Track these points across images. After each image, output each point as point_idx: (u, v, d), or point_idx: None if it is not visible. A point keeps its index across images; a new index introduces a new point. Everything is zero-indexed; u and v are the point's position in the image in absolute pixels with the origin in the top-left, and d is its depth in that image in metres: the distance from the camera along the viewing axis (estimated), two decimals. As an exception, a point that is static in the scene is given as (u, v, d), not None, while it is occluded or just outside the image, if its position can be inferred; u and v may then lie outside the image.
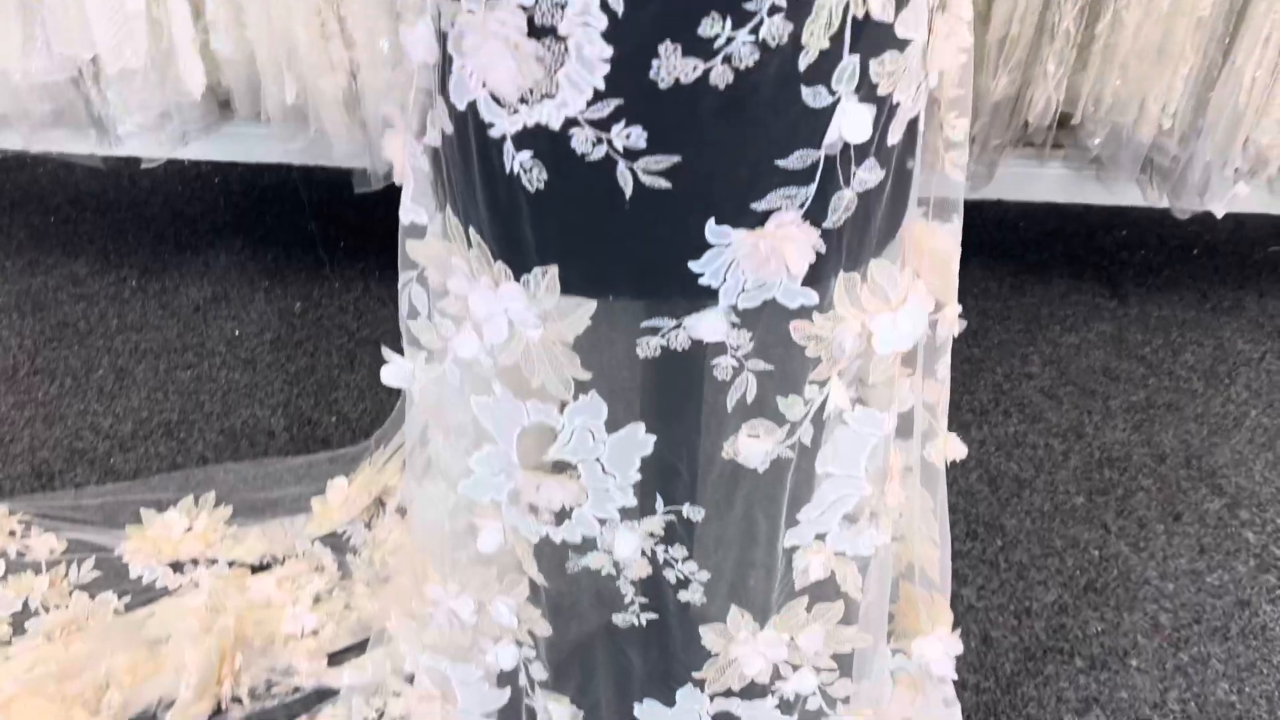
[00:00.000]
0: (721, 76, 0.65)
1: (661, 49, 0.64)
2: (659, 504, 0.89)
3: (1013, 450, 1.71)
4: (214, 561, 1.51)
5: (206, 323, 1.93)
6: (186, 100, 1.76)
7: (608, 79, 0.66)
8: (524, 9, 0.65)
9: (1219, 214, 1.82)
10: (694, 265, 0.73)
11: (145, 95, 1.77)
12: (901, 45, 0.69)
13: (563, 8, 0.64)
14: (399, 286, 0.93)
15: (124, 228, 2.14)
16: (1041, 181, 1.95)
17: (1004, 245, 2.13)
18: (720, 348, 0.78)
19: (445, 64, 0.73)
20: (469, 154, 0.74)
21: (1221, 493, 1.64)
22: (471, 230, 0.78)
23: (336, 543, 1.54)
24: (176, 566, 1.51)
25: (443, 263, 0.84)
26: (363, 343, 1.90)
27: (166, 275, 2.03)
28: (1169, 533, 1.58)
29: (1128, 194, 1.87)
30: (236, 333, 1.91)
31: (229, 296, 1.99)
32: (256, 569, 1.51)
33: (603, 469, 0.86)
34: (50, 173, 2.25)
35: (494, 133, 0.70)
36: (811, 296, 0.76)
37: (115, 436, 1.72)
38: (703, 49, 0.64)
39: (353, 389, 1.81)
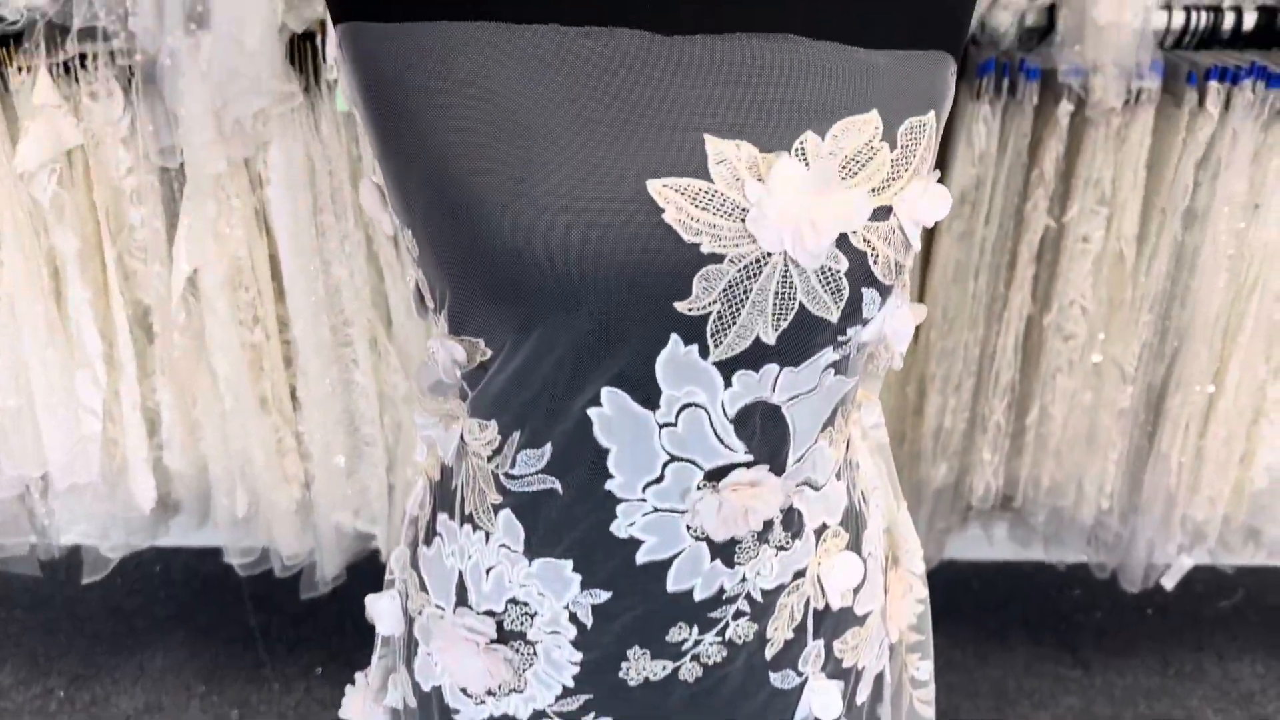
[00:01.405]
0: (690, 672, 0.65)
1: (630, 653, 0.64)
2: None
3: None
4: None
5: (137, 737, 1.82)
6: (135, 514, 1.74)
7: (576, 678, 0.65)
8: (493, 615, 0.65)
9: (1169, 586, 1.85)
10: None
11: (93, 507, 1.76)
12: (862, 620, 0.70)
13: (532, 617, 0.64)
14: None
15: (56, 626, 2.06)
16: (991, 543, 1.98)
17: (961, 610, 2.12)
18: None
19: (411, 642, 0.73)
20: None
21: None
22: None
23: None
24: None
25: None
26: (305, 755, 1.79)
27: (98, 682, 1.93)
28: None
29: (1076, 550, 1.91)
30: (169, 748, 1.80)
31: (162, 705, 1.88)
32: None
33: None
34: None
35: (459, 719, 0.69)
36: None
37: None
38: (671, 651, 0.64)
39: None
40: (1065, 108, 1.55)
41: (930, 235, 1.68)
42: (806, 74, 0.55)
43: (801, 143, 0.54)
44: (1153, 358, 1.71)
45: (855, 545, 0.70)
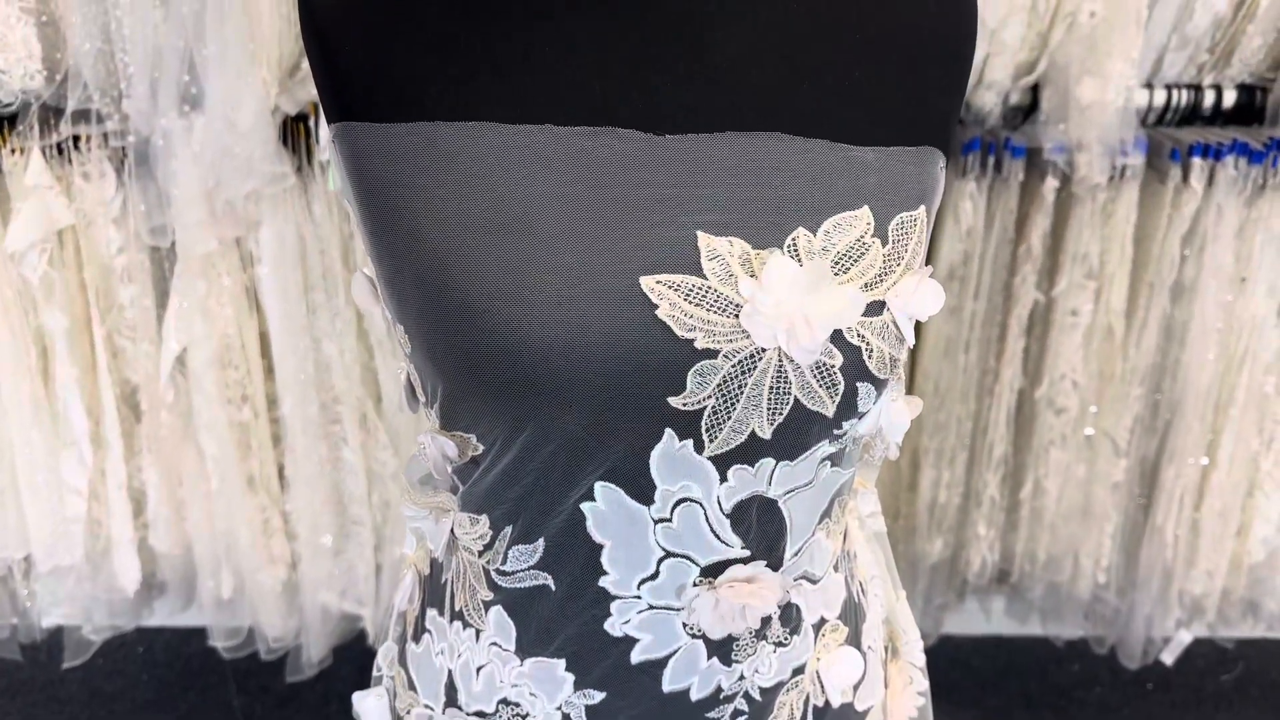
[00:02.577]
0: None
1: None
2: None
3: None
4: None
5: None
6: (119, 595, 1.71)
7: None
8: (483, 716, 0.64)
9: (1168, 662, 1.83)
10: None
11: (76, 589, 1.73)
12: (863, 716, 0.68)
13: (524, 718, 0.63)
14: None
15: (36, 712, 2.00)
16: (988, 618, 1.96)
17: (960, 688, 2.08)
18: None
19: (402, 730, 0.71)
20: None
21: None
22: None
23: None
24: None
25: None
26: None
27: (76, 772, 1.87)
28: None
29: (1074, 625, 1.88)
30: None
31: (143, 794, 1.83)
32: None
33: None
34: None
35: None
36: None
37: None
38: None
39: None
40: (1051, 184, 1.57)
41: (920, 309, 1.69)
42: (797, 171, 0.56)
43: (794, 239, 0.55)
44: (1145, 431, 1.71)
45: (855, 639, 0.69)
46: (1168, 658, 1.82)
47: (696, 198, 0.55)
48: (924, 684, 0.76)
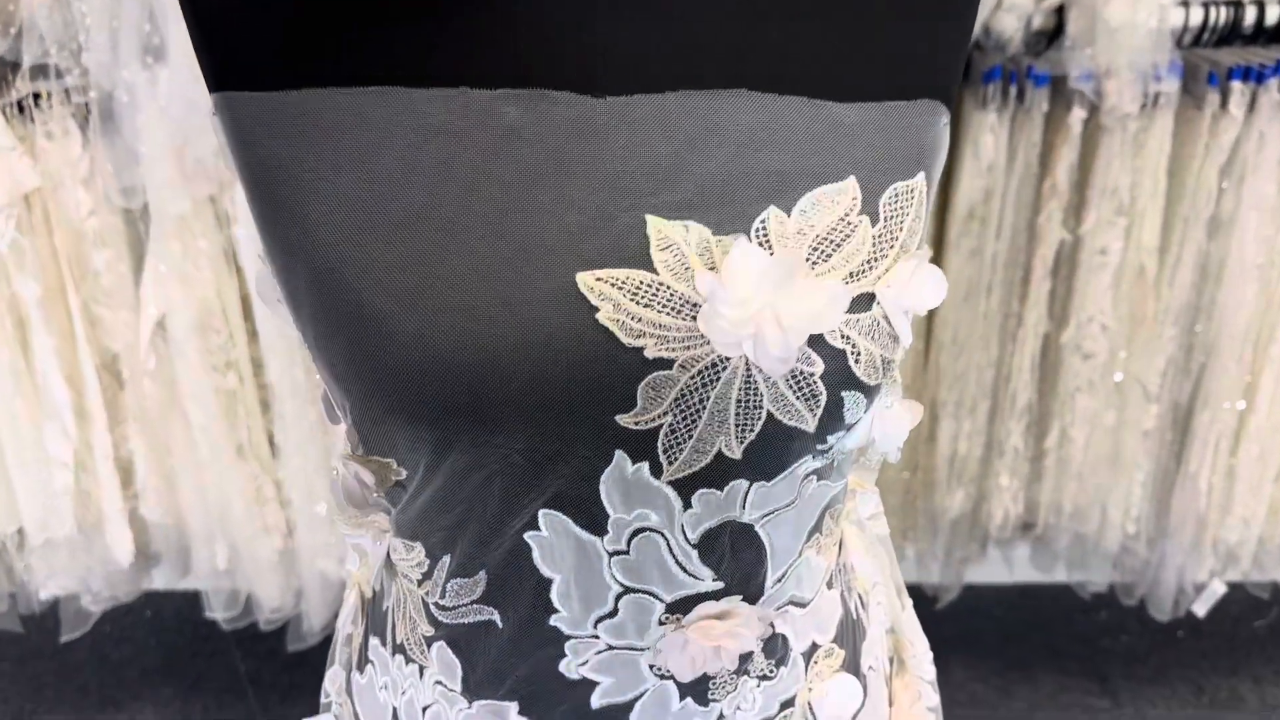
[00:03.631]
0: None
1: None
2: None
3: None
4: None
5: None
6: (113, 568, 1.67)
7: None
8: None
9: (1201, 613, 1.75)
10: None
11: (70, 562, 1.68)
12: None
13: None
14: None
15: (43, 681, 1.99)
16: (1012, 567, 1.89)
17: (982, 638, 2.02)
18: None
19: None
20: None
21: None
22: None
23: None
24: None
25: None
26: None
27: (85, 740, 1.86)
28: None
29: (1102, 576, 1.81)
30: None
31: (153, 762, 1.81)
32: None
33: None
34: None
35: None
36: None
37: None
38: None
39: None
40: (1078, 114, 1.45)
41: (939, 253, 1.59)
42: (767, 137, 0.46)
43: (763, 221, 0.45)
44: (1178, 374, 1.62)
45: (853, 662, 0.61)
46: (1200, 608, 1.75)
47: (645, 173, 0.45)
48: (934, 699, 0.68)
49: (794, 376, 0.45)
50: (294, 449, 1.59)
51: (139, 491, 1.64)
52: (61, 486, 1.59)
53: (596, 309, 0.44)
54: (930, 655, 0.69)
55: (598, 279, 0.44)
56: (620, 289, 0.44)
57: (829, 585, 0.59)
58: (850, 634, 0.61)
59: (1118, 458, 1.66)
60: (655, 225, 0.45)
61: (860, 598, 0.64)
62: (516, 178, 0.45)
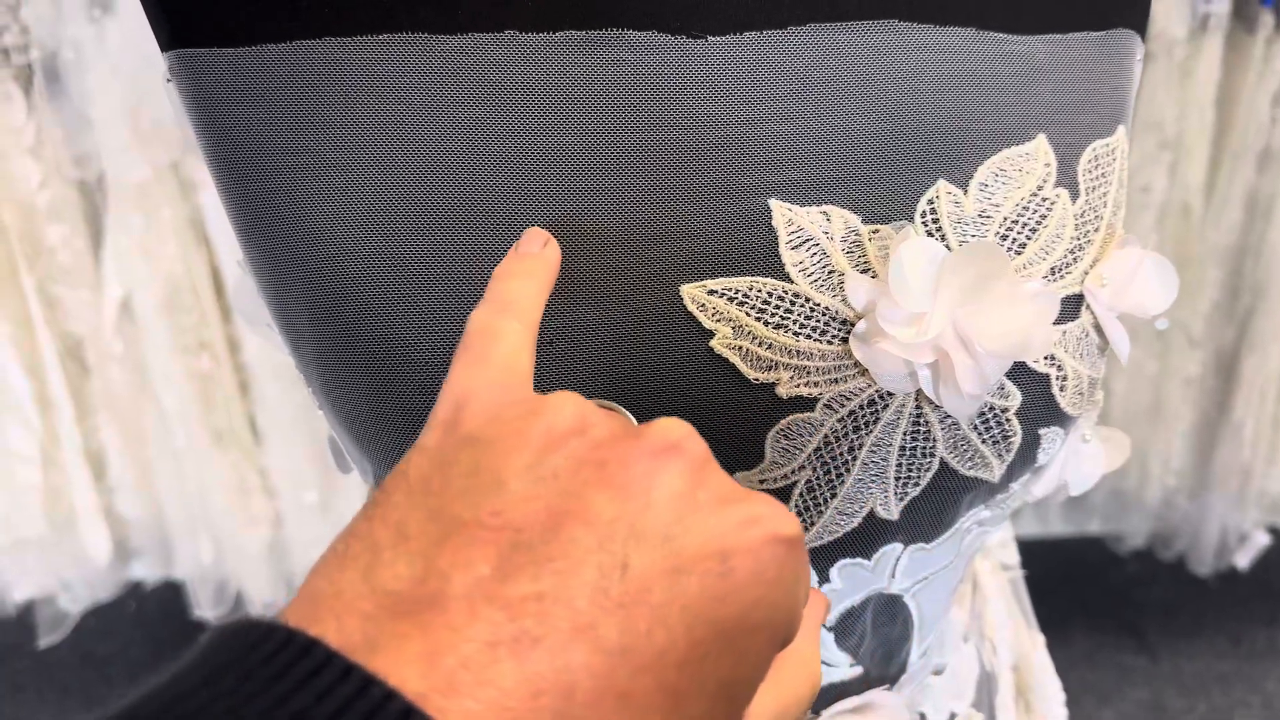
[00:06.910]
0: None
1: None
2: None
3: None
4: None
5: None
6: (90, 568, 1.55)
7: None
8: None
9: (1243, 565, 1.68)
10: None
11: (42, 563, 1.57)
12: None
13: None
14: None
15: (22, 684, 1.88)
16: (1043, 519, 1.81)
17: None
18: None
19: None
20: None
21: None
22: None
23: None
24: None
25: None
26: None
27: (71, 745, 1.75)
28: None
29: (1140, 532, 1.73)
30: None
31: (145, 766, 1.71)
32: None
33: None
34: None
35: None
36: None
37: None
38: None
39: None
40: (1121, 41, 1.34)
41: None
42: (929, 84, 0.33)
43: (931, 202, 0.33)
44: (1223, 319, 1.52)
45: (989, 721, 0.51)
46: (1241, 560, 1.67)
47: (766, 142, 0.32)
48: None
49: (984, 414, 0.34)
50: (278, 434, 1.47)
51: (113, 486, 1.52)
52: (26, 483, 1.47)
53: (709, 332, 0.32)
54: (1063, 697, 0.58)
55: (710, 291, 0.32)
56: (742, 305, 0.32)
57: (965, 640, 0.48)
58: (986, 694, 0.51)
59: (1159, 408, 1.56)
60: (783, 213, 0.32)
61: (993, 645, 0.53)
62: (587, 157, 0.32)
